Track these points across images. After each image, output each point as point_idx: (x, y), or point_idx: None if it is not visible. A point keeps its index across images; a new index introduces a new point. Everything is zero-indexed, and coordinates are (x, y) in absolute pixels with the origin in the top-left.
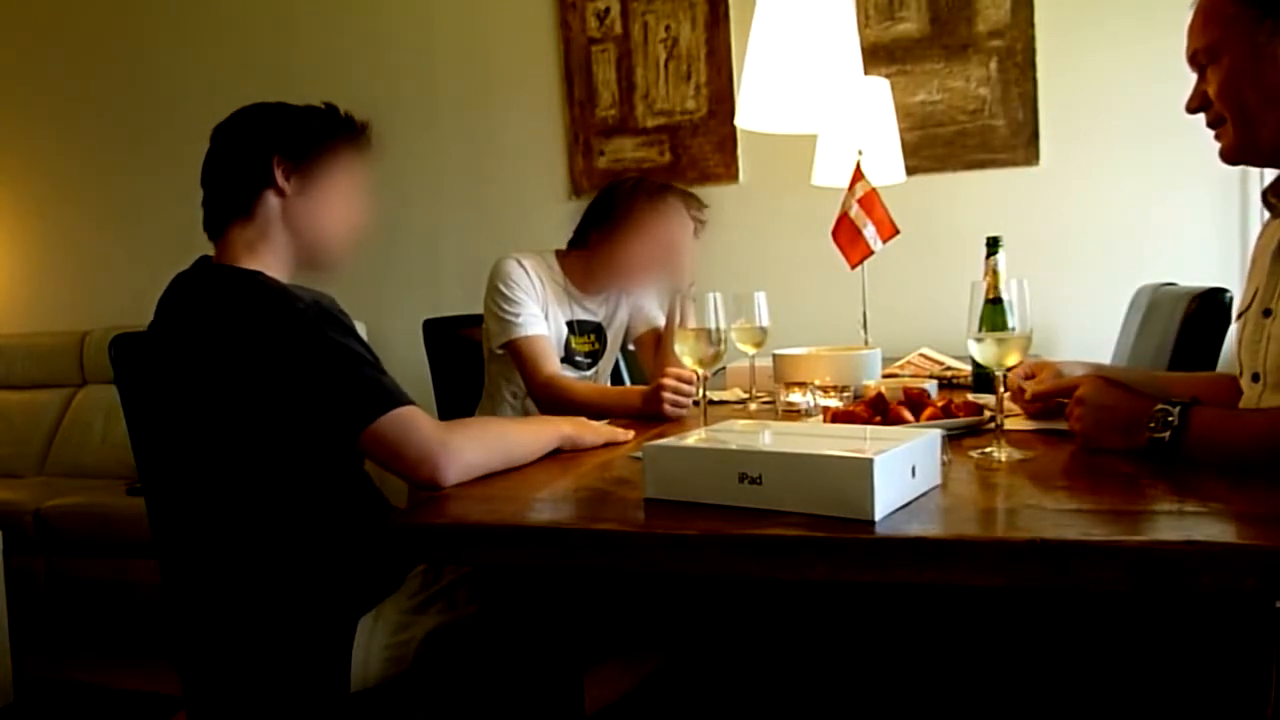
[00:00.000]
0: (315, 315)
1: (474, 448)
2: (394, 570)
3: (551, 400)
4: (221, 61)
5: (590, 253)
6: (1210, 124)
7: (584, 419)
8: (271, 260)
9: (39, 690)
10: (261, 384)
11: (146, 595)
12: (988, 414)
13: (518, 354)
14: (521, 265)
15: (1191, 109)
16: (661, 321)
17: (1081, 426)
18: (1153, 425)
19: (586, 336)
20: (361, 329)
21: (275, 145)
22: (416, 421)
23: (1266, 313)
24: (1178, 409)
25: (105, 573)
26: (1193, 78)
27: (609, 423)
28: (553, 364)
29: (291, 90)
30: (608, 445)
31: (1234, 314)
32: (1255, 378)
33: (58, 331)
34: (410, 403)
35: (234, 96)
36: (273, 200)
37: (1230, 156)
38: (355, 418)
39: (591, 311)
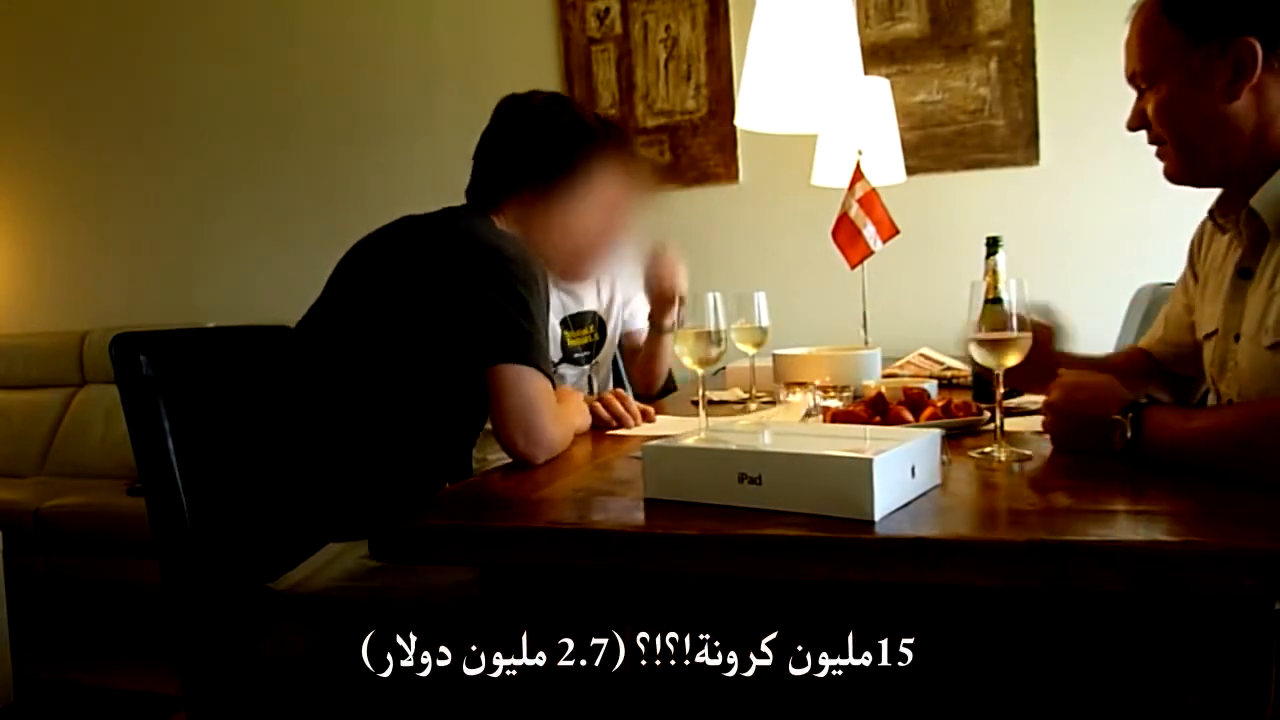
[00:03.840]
0: (510, 260)
1: (562, 431)
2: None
3: None
4: (221, 62)
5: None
6: (1151, 142)
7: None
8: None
9: (39, 690)
10: (429, 308)
11: (146, 595)
12: (987, 414)
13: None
14: None
15: (1132, 127)
16: (642, 322)
17: (1054, 432)
18: (1114, 433)
19: (585, 330)
20: None
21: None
22: (537, 385)
23: (1236, 338)
24: (1130, 416)
25: (105, 573)
26: None
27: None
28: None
29: (291, 90)
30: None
31: (1200, 334)
32: (1229, 405)
33: (58, 331)
34: (546, 373)
35: (234, 96)
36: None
37: (1174, 178)
38: (493, 352)
39: (578, 297)
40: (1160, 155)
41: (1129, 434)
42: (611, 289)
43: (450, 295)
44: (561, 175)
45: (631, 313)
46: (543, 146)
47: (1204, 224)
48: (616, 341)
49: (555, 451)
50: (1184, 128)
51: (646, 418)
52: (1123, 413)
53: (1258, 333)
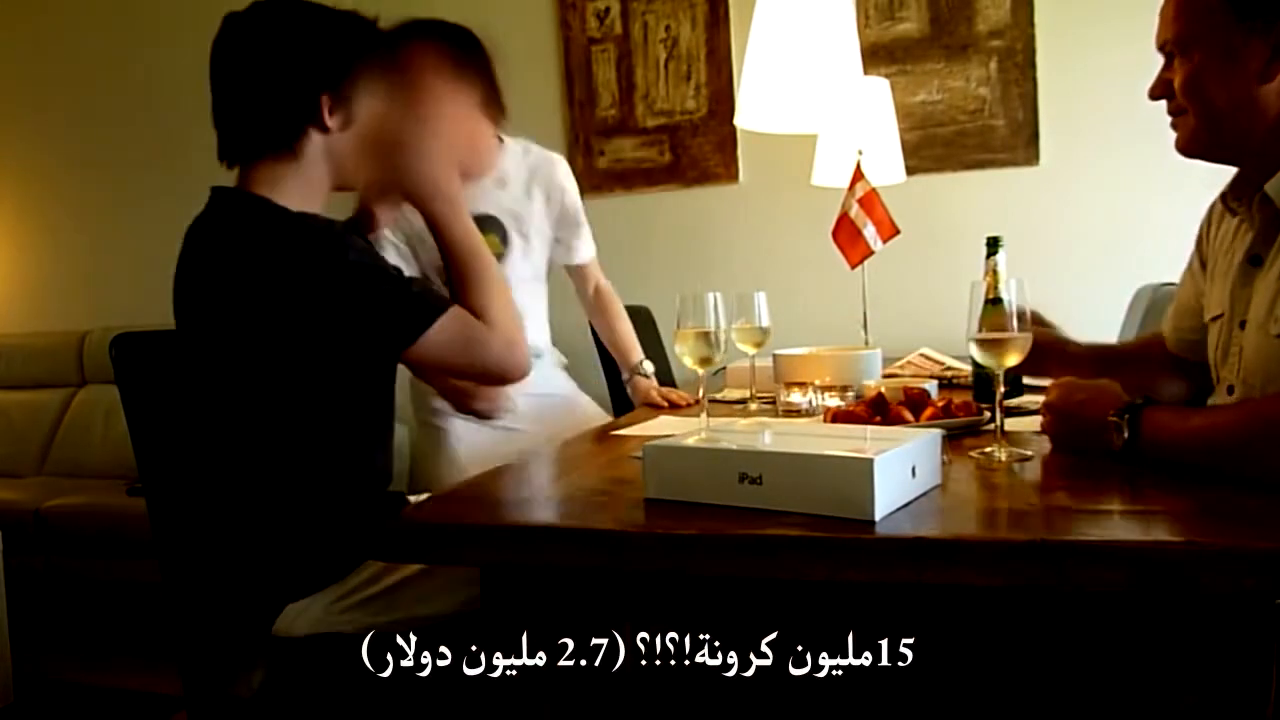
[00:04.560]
0: (333, 240)
1: (510, 328)
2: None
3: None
4: None
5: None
6: (1171, 113)
7: None
8: (303, 195)
9: (39, 690)
10: (291, 322)
11: (147, 595)
12: (987, 414)
13: None
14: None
15: (1154, 96)
16: (582, 255)
17: (1051, 433)
18: (1111, 434)
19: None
20: None
21: (323, 81)
22: (457, 326)
23: (1242, 324)
24: (1127, 417)
25: (105, 573)
26: None
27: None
28: None
29: None
30: None
31: (1206, 317)
32: (1230, 390)
33: (58, 331)
34: (445, 301)
35: None
36: (316, 138)
37: (1186, 149)
38: (405, 330)
39: (470, 197)
40: (1175, 126)
41: (1126, 434)
42: (520, 202)
43: (301, 309)
44: (353, 67)
45: (570, 249)
46: (323, 40)
47: (1212, 207)
48: (541, 272)
49: (522, 344)
50: (1211, 102)
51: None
52: (1119, 414)
53: (1265, 320)
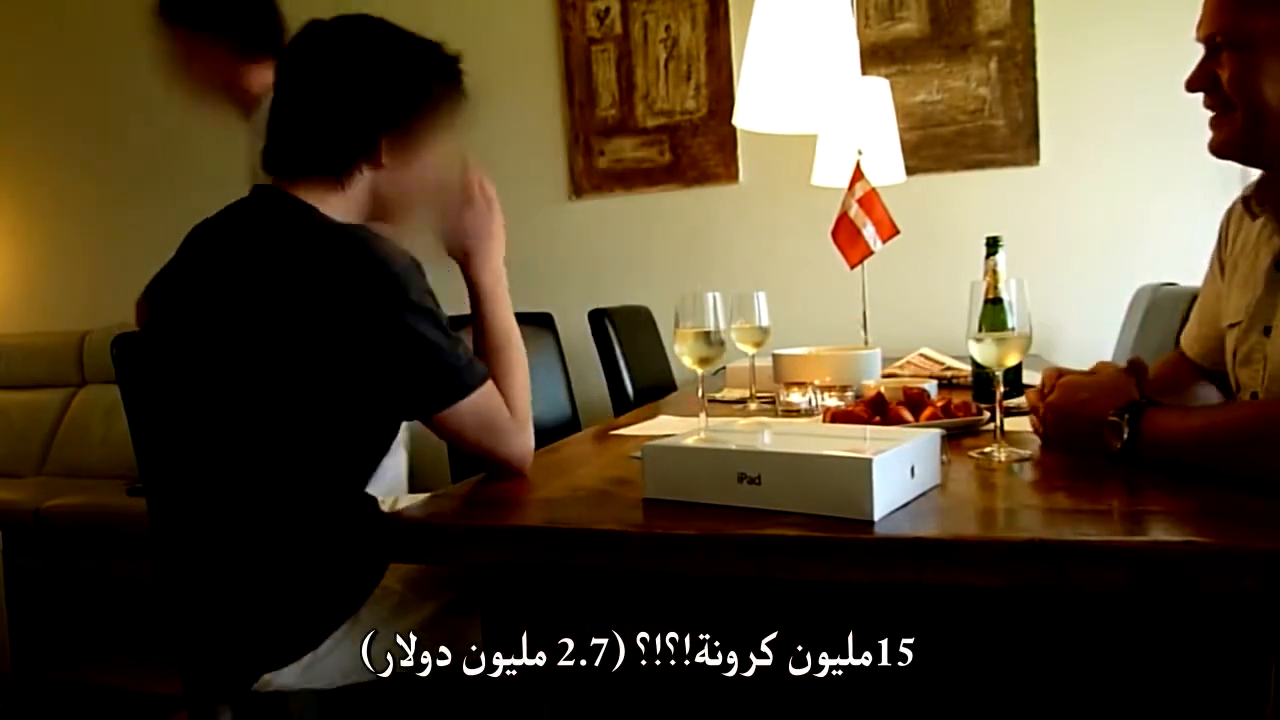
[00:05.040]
0: (401, 273)
1: (527, 432)
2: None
3: None
4: None
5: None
6: (1212, 108)
7: None
8: (345, 213)
9: (39, 690)
10: (330, 345)
11: (147, 595)
12: (986, 414)
13: None
14: None
15: (1193, 88)
16: None
17: (1049, 433)
18: (1110, 435)
19: None
20: None
21: (387, 120)
22: (488, 407)
23: (1266, 330)
24: (1127, 416)
25: (105, 573)
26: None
27: None
28: None
29: None
30: None
31: (1224, 322)
32: (1254, 397)
33: (58, 331)
34: (482, 378)
35: None
36: (367, 171)
37: (1224, 150)
38: (440, 396)
39: None
40: (1215, 124)
41: (1125, 435)
42: None
43: (350, 342)
44: (421, 111)
45: None
46: (397, 78)
47: (1232, 209)
48: None
49: (531, 441)
50: (1265, 102)
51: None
52: (1119, 413)
53: None
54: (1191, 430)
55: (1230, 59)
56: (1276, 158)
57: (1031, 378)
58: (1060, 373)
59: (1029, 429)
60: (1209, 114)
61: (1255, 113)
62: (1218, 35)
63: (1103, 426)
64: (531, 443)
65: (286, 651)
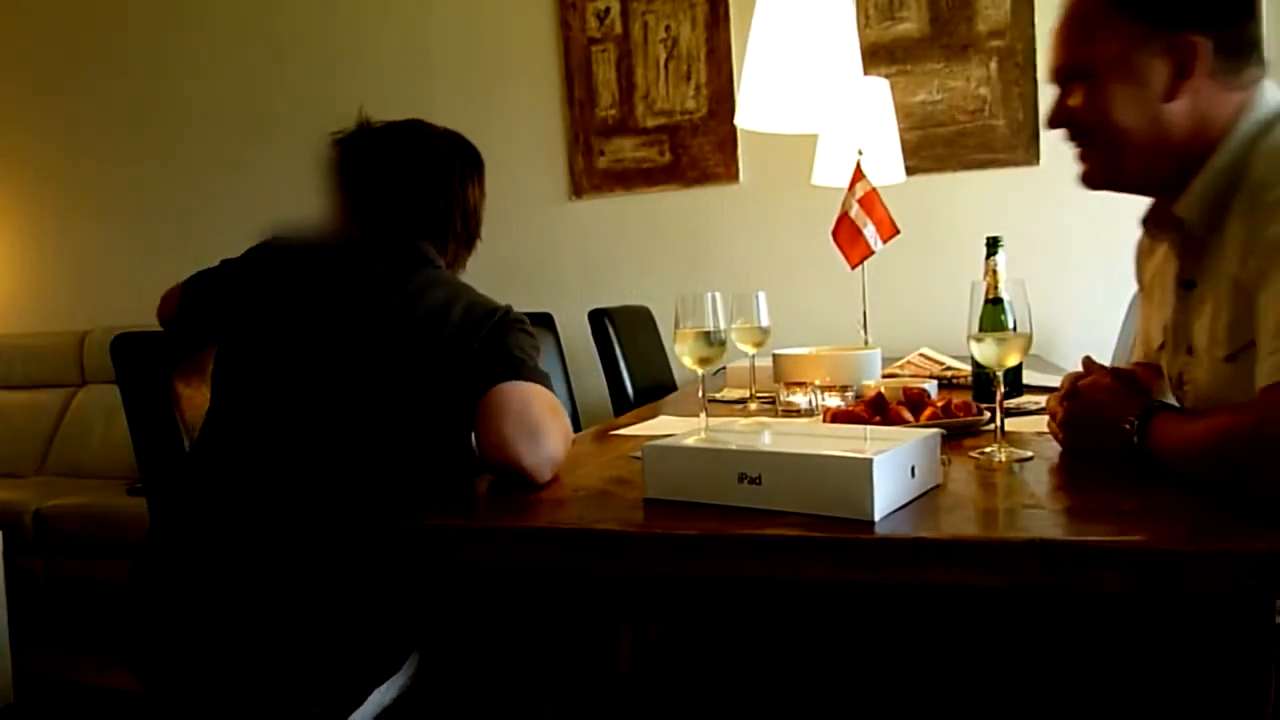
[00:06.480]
0: (515, 314)
1: (565, 447)
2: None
3: None
4: (219, 62)
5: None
6: (1074, 140)
7: None
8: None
9: (39, 690)
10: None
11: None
12: (986, 414)
13: None
14: None
15: (1054, 124)
16: None
17: (1065, 433)
18: (1122, 440)
19: None
20: None
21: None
22: (545, 398)
23: (1189, 350)
24: (1136, 422)
25: (105, 573)
26: None
27: None
28: None
29: (291, 92)
30: None
31: (1153, 345)
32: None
33: (58, 331)
34: (552, 388)
35: (233, 97)
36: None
37: (1093, 180)
38: (487, 377)
39: None
40: (1082, 158)
41: (1135, 439)
42: None
43: (460, 339)
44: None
45: None
46: (474, 185)
47: (1142, 235)
48: None
49: (558, 467)
50: (1119, 125)
51: None
52: (1130, 420)
53: (1210, 345)
54: (1192, 436)
55: (1080, 90)
56: (1144, 179)
57: (1031, 378)
58: (1078, 375)
59: (1029, 429)
60: (1076, 150)
61: (1111, 138)
62: (1066, 69)
63: (1119, 428)
64: (554, 461)
65: (372, 678)
